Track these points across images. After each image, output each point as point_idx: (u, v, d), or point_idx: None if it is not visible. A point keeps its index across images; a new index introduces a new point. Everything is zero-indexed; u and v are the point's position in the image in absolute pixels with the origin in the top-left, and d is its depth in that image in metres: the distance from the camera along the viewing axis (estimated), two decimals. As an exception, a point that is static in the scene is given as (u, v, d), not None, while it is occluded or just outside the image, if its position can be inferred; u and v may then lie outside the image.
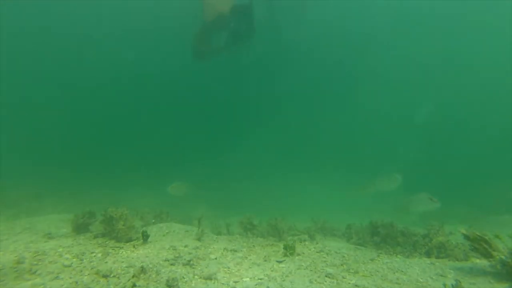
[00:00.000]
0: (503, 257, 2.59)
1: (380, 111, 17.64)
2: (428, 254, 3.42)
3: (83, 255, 2.73)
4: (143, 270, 2.37)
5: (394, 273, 2.70)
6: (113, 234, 3.24)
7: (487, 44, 15.51)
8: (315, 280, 2.41)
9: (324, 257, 3.06)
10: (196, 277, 2.41)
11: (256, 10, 6.20)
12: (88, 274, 2.37)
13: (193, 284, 2.29)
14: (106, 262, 2.60)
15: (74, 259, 2.63)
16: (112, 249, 2.95)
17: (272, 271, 2.61)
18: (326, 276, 2.50)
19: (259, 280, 2.39)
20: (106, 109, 18.66)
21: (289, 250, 3.06)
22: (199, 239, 3.47)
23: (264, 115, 16.28)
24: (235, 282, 2.36)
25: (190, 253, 2.94)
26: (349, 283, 2.39)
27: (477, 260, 3.11)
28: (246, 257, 2.96)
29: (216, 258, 2.87)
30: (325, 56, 15.59)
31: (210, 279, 2.38)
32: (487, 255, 2.78)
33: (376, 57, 16.05)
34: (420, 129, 17.69)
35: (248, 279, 2.42)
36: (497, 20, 13.64)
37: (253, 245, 3.40)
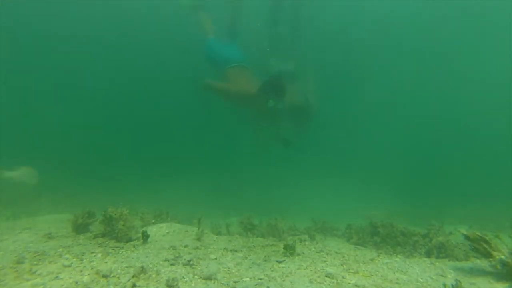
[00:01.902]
0: (503, 257, 2.59)
1: (380, 111, 17.67)
2: (428, 254, 3.42)
3: (83, 255, 2.73)
4: (143, 270, 2.37)
5: (394, 273, 2.70)
6: (113, 234, 3.24)
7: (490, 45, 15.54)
8: (315, 280, 2.41)
9: (324, 257, 3.06)
10: (196, 277, 2.41)
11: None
12: (88, 274, 2.37)
13: (193, 284, 2.29)
14: (106, 262, 2.60)
15: (74, 259, 2.63)
16: (112, 249, 2.95)
17: (272, 271, 2.60)
18: (326, 276, 2.50)
19: (259, 280, 2.39)
20: (112, 108, 18.70)
21: (289, 250, 3.06)
22: (199, 239, 3.47)
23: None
24: (235, 282, 2.36)
25: (190, 253, 2.94)
26: (349, 283, 2.39)
27: (477, 260, 3.11)
28: (246, 257, 2.96)
29: (216, 258, 2.87)
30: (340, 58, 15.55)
31: (210, 279, 2.38)
32: (487, 255, 2.78)
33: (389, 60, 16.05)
34: (420, 130, 17.71)
35: (248, 279, 2.42)
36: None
37: (253, 245, 3.41)
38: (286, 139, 6.33)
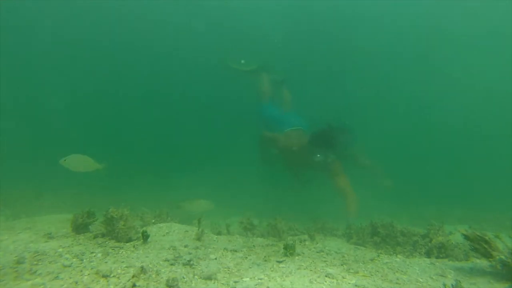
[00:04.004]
0: (503, 257, 2.59)
1: (380, 112, 17.68)
2: (428, 254, 3.42)
3: (83, 255, 2.73)
4: (143, 270, 2.37)
5: (394, 273, 2.70)
6: (113, 234, 3.24)
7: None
8: (315, 280, 2.41)
9: (324, 257, 3.06)
10: (196, 277, 2.41)
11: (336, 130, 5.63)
12: (88, 274, 2.37)
13: (193, 284, 2.29)
14: (106, 262, 2.60)
15: (74, 259, 2.63)
16: (112, 249, 2.95)
17: (272, 271, 2.61)
18: (326, 276, 2.50)
19: (259, 280, 2.39)
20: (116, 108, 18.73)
21: (289, 250, 3.06)
22: (199, 239, 3.47)
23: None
24: (235, 282, 2.36)
25: (190, 253, 2.94)
26: (349, 283, 2.39)
27: (477, 260, 3.11)
28: (246, 257, 2.96)
29: (216, 258, 2.87)
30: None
31: (210, 279, 2.39)
32: (487, 255, 2.78)
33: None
34: (420, 130, 17.71)
35: (248, 279, 2.42)
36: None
37: (253, 245, 3.40)
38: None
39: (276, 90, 8.21)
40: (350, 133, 6.45)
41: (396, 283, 2.46)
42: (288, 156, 6.30)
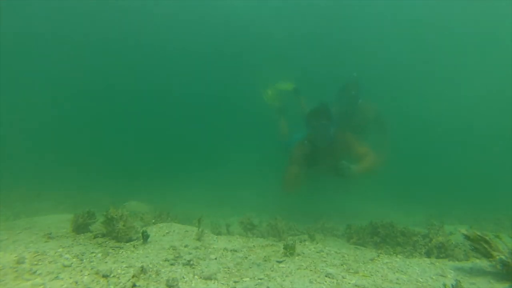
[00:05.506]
0: (503, 257, 2.59)
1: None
2: (428, 254, 3.42)
3: (83, 255, 2.73)
4: (143, 270, 2.37)
5: (394, 273, 2.70)
6: (113, 234, 3.24)
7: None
8: (315, 280, 2.41)
9: (324, 257, 3.06)
10: (196, 277, 2.41)
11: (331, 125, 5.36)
12: (88, 274, 2.37)
13: (193, 284, 2.29)
14: (106, 262, 2.60)
15: (74, 259, 2.63)
16: (112, 249, 2.95)
17: (272, 271, 2.61)
18: (326, 276, 2.50)
19: (259, 280, 2.39)
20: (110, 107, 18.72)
21: (289, 250, 3.06)
22: (199, 239, 3.47)
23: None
24: (235, 282, 2.36)
25: (190, 253, 2.94)
26: (349, 283, 2.39)
27: (477, 260, 3.10)
28: (246, 257, 2.96)
29: (216, 258, 2.87)
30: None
31: (210, 279, 2.39)
32: (487, 255, 2.78)
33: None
34: (420, 129, 17.71)
35: (248, 279, 2.42)
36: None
37: (253, 245, 3.40)
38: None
39: (293, 99, 8.31)
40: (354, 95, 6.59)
41: (396, 283, 2.46)
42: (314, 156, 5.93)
